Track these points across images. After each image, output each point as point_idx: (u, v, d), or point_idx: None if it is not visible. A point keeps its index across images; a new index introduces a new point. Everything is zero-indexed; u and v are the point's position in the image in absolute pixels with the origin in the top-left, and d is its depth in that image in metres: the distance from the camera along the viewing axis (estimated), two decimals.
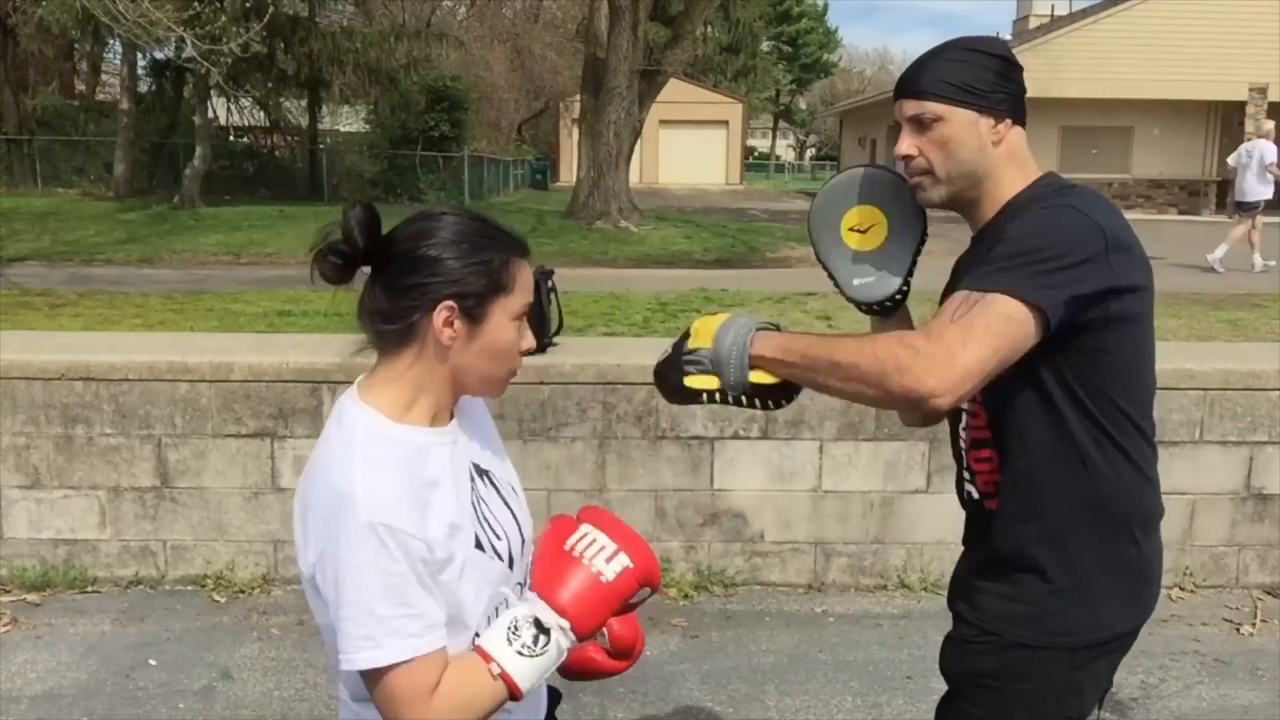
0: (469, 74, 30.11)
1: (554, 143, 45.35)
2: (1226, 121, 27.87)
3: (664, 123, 41.85)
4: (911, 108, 1.69)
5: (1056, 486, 1.65)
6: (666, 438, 4.10)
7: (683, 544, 4.17)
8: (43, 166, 25.97)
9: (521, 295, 1.42)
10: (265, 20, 16.08)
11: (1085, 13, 29.44)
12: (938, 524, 4.12)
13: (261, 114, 28.76)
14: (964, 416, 1.76)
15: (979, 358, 1.48)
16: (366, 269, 1.39)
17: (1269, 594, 4.21)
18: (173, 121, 26.88)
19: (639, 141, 22.67)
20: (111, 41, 23.79)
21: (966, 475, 1.79)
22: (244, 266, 14.81)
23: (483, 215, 1.45)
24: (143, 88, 26.92)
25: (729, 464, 4.12)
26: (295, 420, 4.01)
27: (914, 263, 1.83)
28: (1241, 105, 26.70)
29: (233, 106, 27.40)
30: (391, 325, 1.38)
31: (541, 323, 4.13)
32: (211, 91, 23.73)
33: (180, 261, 15.12)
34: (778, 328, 1.67)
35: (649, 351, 4.43)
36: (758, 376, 1.62)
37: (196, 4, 14.65)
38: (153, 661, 3.52)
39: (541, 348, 4.09)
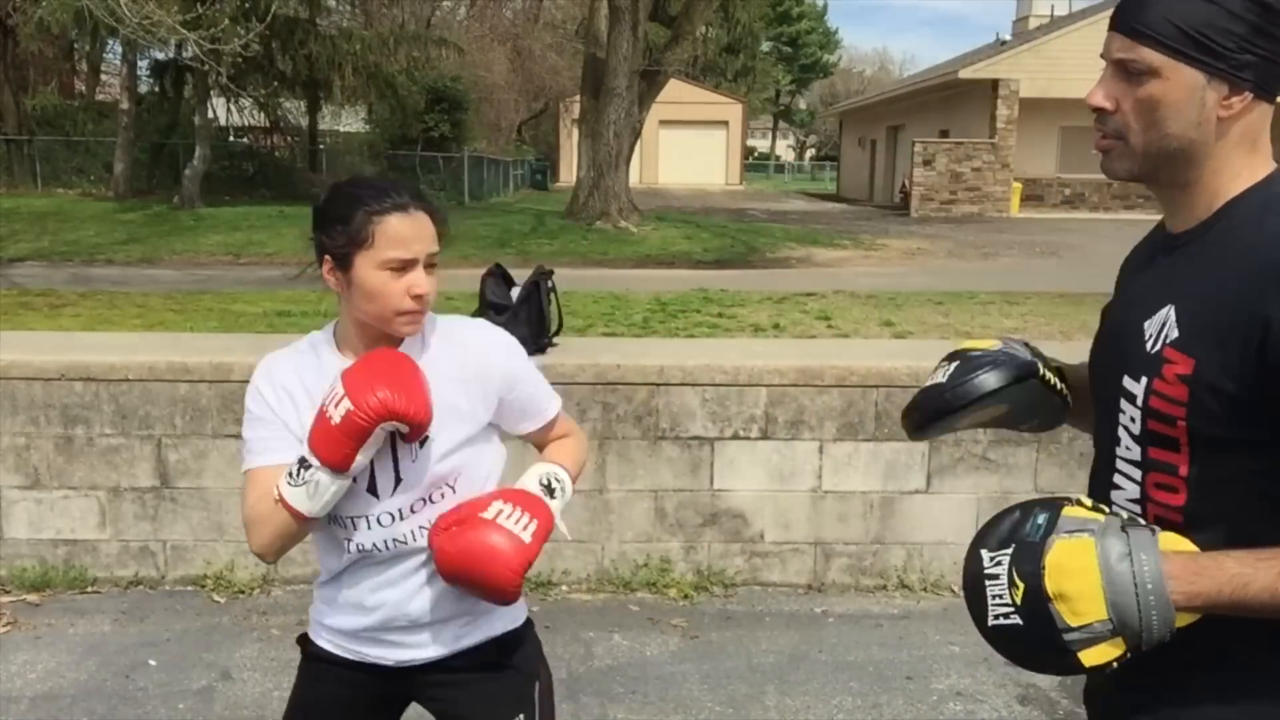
0: (469, 74, 30.15)
1: (554, 143, 45.36)
2: None
3: (664, 123, 41.90)
4: (1121, 47, 1.25)
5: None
6: (666, 438, 4.10)
7: (683, 544, 4.17)
8: (43, 167, 26.01)
9: (386, 248, 1.59)
10: (266, 22, 16.09)
11: (1085, 13, 29.42)
12: (938, 524, 4.12)
13: (261, 114, 28.79)
14: (1145, 487, 1.31)
15: None
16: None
17: None
18: (173, 121, 26.93)
19: (639, 142, 22.69)
20: (111, 41, 23.81)
21: None
22: (244, 266, 14.83)
23: (368, 179, 1.68)
24: (143, 88, 26.95)
25: (729, 464, 4.12)
26: None
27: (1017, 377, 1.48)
28: None
29: (232, 107, 27.42)
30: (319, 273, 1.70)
31: (541, 323, 4.15)
32: (211, 92, 23.75)
33: (180, 261, 15.15)
34: (1151, 529, 1.22)
35: (649, 352, 4.44)
36: (1181, 620, 1.22)
37: (198, 5, 14.66)
38: (152, 662, 3.52)
39: (541, 348, 4.10)
